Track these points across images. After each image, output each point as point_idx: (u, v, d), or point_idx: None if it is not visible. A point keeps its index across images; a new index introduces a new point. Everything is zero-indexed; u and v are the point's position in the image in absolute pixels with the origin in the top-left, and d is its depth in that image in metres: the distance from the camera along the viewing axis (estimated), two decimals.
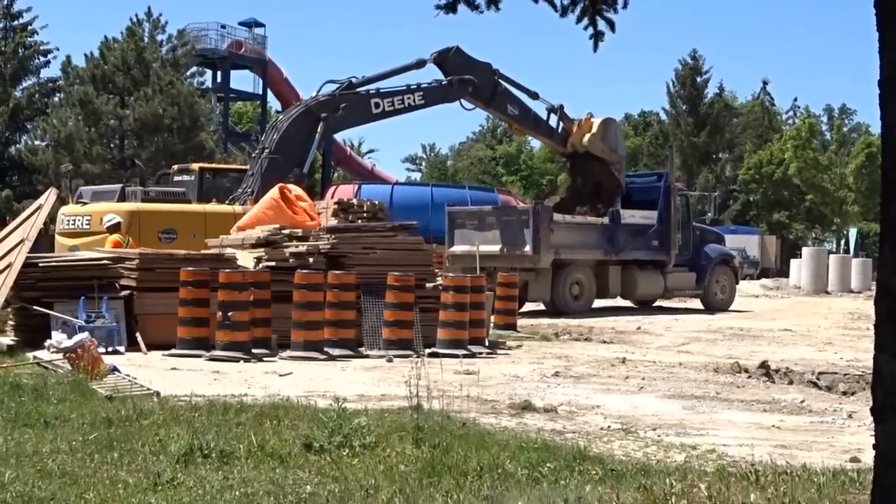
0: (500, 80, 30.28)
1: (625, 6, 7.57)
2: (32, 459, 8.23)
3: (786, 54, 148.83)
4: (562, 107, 31.83)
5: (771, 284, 48.70)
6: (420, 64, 29.49)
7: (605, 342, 21.38)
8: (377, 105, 29.09)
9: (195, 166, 30.99)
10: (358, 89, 29.02)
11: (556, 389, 13.85)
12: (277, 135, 27.77)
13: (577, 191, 31.89)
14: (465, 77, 29.13)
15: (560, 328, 23.58)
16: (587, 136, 31.27)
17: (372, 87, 29.46)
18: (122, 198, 27.58)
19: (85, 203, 27.50)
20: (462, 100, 29.84)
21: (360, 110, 29.24)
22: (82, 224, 26.46)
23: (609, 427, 10.89)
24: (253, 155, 29.88)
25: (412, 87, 29.42)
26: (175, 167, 31.51)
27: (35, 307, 17.38)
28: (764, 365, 17.16)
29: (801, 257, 47.53)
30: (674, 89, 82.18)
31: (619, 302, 31.22)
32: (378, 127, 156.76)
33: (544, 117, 31.96)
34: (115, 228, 21.66)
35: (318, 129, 27.80)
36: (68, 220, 27.04)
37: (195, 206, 27.33)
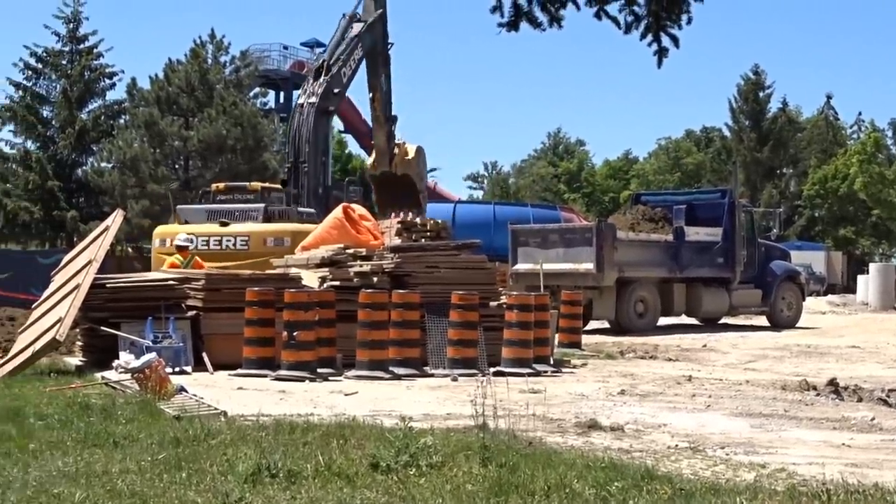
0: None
1: (689, 22, 7.56)
2: (102, 479, 8.29)
3: (849, 68, 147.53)
4: (396, 119, 32.38)
5: (838, 301, 48.22)
6: (352, 19, 31.26)
7: (670, 360, 21.25)
8: (344, 74, 30.05)
9: (257, 185, 30.79)
10: (331, 67, 29.74)
11: (622, 408, 13.77)
12: (311, 147, 27.91)
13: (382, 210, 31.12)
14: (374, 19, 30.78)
15: (625, 346, 23.45)
16: (407, 159, 31.42)
17: (333, 59, 30.47)
18: (268, 218, 27.18)
19: (226, 223, 26.57)
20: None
21: (339, 86, 30.14)
22: (234, 244, 25.94)
23: (677, 446, 10.80)
24: (285, 168, 29.80)
25: (351, 41, 30.62)
26: (219, 185, 30.89)
27: (103, 328, 17.54)
28: (832, 382, 16.95)
29: (868, 273, 47.06)
30: (736, 105, 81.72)
31: (685, 319, 31.03)
32: (439, 145, 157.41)
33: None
34: (180, 249, 21.87)
35: (329, 126, 28.34)
36: (202, 241, 25.62)
37: None
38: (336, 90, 30.62)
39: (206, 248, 25.22)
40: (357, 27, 31.23)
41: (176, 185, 27.02)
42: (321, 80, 30.12)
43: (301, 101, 30.42)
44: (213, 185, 31.16)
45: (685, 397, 15.11)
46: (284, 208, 28.19)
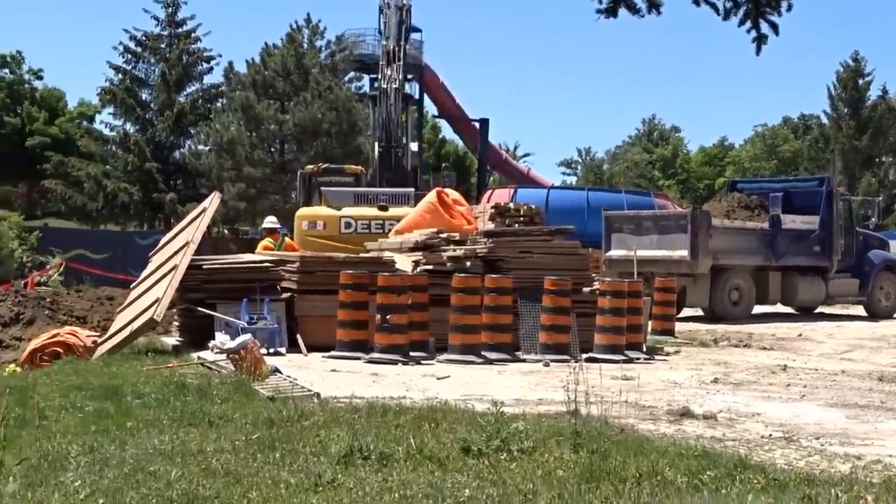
0: None
1: (789, 9, 7.46)
2: (197, 458, 8.40)
3: None
4: None
5: None
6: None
7: (765, 349, 21.04)
8: (408, 57, 30.77)
9: (356, 168, 30.81)
10: (398, 52, 30.00)
11: (716, 396, 13.67)
12: (402, 132, 27.98)
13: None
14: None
15: (719, 334, 23.25)
16: None
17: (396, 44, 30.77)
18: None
19: (385, 207, 26.18)
20: None
21: (409, 70, 30.76)
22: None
23: (770, 435, 10.70)
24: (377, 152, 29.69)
25: (400, 25, 31.80)
26: (317, 167, 30.89)
27: (199, 308, 17.75)
28: None
29: None
30: (835, 92, 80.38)
31: (780, 308, 30.70)
32: (534, 131, 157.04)
33: None
34: (270, 232, 22.19)
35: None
36: (363, 224, 25.29)
37: None
38: (409, 74, 30.87)
39: (366, 231, 24.95)
40: (400, 11, 31.64)
41: (311, 167, 26.96)
42: (395, 64, 30.15)
43: (385, 86, 30.44)
44: (309, 167, 31.23)
45: (779, 387, 14.96)
46: (424, 192, 28.25)
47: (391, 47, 31.06)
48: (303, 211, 25.95)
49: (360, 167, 29.44)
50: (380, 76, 30.10)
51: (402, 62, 30.70)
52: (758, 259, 29.13)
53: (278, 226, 22.98)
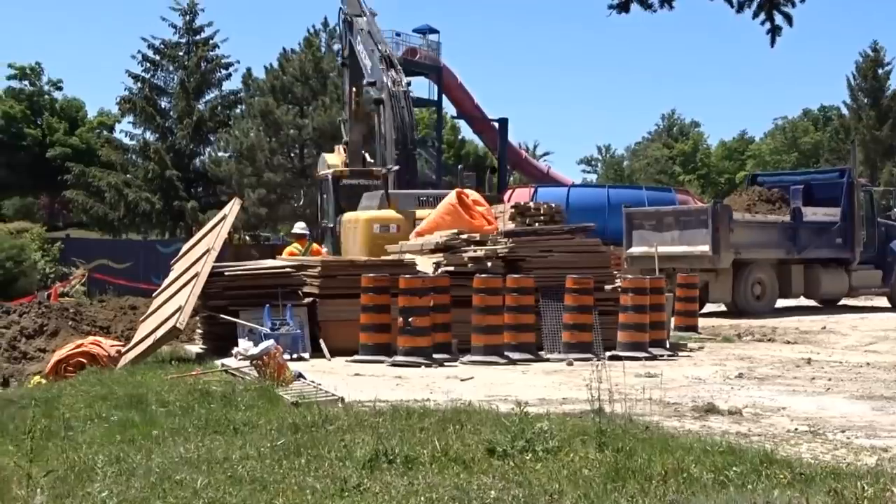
0: None
1: (802, 0, 7.43)
2: (223, 465, 8.41)
3: None
4: None
5: None
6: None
7: (788, 342, 20.98)
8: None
9: (381, 171, 30.69)
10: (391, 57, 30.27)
11: (740, 391, 13.64)
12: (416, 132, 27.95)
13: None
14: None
15: (742, 329, 23.21)
16: None
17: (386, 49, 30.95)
18: None
19: None
20: None
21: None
22: None
23: (796, 429, 10.67)
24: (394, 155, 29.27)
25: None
26: (343, 171, 30.80)
27: (222, 316, 17.79)
28: None
29: None
30: (854, 82, 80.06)
31: (803, 301, 30.60)
32: (553, 129, 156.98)
33: None
34: (298, 238, 22.26)
35: None
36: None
37: None
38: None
39: None
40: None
41: (396, 168, 26.72)
42: (395, 68, 30.13)
43: (394, 90, 30.25)
44: (336, 170, 31.04)
45: (804, 380, 14.92)
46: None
47: (386, 52, 30.86)
48: (371, 214, 25.66)
49: (383, 169, 29.29)
50: (388, 78, 29.81)
51: (397, 64, 30.62)
52: (780, 252, 29.06)
53: (307, 232, 23.09)
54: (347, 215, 25.83)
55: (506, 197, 40.37)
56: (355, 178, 29.55)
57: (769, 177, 36.83)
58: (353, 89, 32.42)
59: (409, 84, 30.61)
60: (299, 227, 23.23)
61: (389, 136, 28.04)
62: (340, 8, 32.86)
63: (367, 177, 29.37)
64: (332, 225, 27.65)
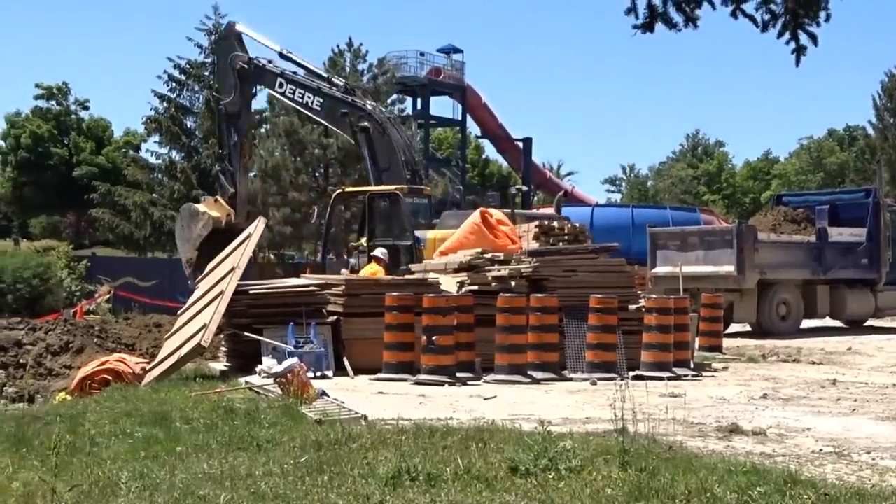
0: None
1: (827, 19, 7.43)
2: (246, 482, 8.44)
3: None
4: None
5: None
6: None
7: (814, 363, 20.89)
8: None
9: (429, 190, 30.55)
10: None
11: (765, 412, 13.59)
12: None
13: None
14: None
15: (767, 349, 23.13)
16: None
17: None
18: None
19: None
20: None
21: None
22: None
23: (821, 450, 10.63)
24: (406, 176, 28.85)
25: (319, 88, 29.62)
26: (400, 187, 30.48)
27: (246, 333, 17.82)
28: None
29: None
30: (880, 102, 79.71)
31: (828, 322, 30.47)
32: (577, 149, 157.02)
33: None
34: (378, 260, 22.29)
35: None
36: None
37: None
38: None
39: None
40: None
41: (398, 186, 26.55)
42: (367, 98, 30.08)
43: (385, 115, 30.11)
44: (397, 186, 30.57)
45: (829, 401, 14.86)
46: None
47: (349, 86, 30.48)
48: (434, 233, 25.68)
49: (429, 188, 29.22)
50: (373, 108, 29.38)
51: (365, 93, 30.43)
52: (805, 273, 28.97)
53: (385, 257, 23.09)
54: (432, 233, 25.85)
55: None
56: (412, 196, 29.25)
57: (794, 197, 36.77)
58: (243, 139, 31.24)
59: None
60: (381, 253, 23.19)
61: (399, 158, 27.86)
62: (255, 62, 30.99)
63: (419, 195, 29.21)
64: (409, 243, 26.92)
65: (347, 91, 29.35)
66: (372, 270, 22.05)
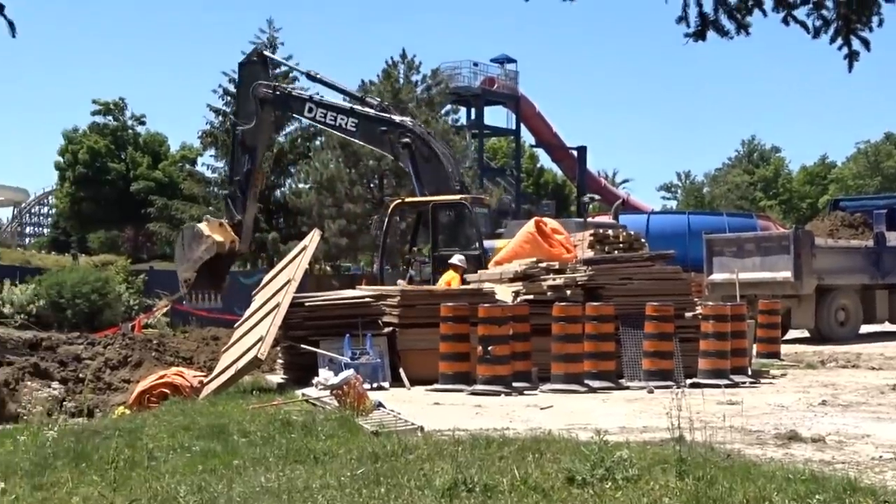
0: None
1: (880, 24, 7.37)
2: (303, 494, 8.46)
3: None
4: None
5: None
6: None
7: (873, 369, 20.70)
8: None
9: (489, 199, 30.50)
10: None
11: (824, 419, 13.48)
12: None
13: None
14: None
15: (826, 355, 22.93)
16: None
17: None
18: None
19: None
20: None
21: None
22: None
23: (881, 457, 10.53)
24: (456, 187, 28.62)
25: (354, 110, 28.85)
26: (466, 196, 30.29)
27: (302, 346, 17.89)
28: None
29: None
30: None
31: (888, 327, 30.17)
32: (632, 156, 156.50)
33: None
34: (456, 268, 22.18)
35: None
36: None
37: None
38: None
39: None
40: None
41: (465, 196, 26.41)
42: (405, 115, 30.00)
43: (425, 129, 29.89)
44: (473, 195, 30.43)
45: (890, 407, 14.71)
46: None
47: (382, 104, 30.27)
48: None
49: (487, 197, 29.18)
50: (403, 121, 29.13)
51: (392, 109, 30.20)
52: (863, 278, 28.71)
53: (464, 264, 22.91)
54: (500, 242, 25.84)
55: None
56: (475, 205, 29.17)
57: (852, 201, 36.46)
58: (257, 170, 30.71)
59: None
60: (458, 260, 23.04)
61: (446, 170, 27.69)
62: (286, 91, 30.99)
63: (480, 204, 29.17)
64: (478, 252, 26.80)
65: (383, 109, 29.15)
66: (448, 278, 21.99)
